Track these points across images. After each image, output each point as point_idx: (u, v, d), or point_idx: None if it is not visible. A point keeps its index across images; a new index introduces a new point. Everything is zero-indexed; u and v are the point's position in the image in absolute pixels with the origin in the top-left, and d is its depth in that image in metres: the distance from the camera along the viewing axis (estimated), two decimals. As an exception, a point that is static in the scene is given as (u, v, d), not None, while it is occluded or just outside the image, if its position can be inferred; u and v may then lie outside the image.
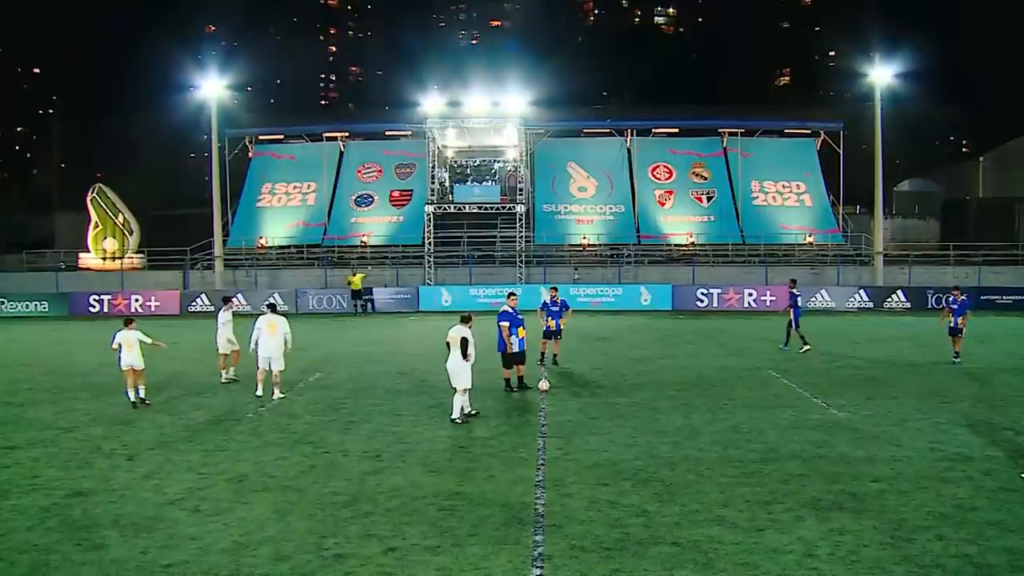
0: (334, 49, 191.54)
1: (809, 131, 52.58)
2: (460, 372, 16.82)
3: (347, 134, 54.54)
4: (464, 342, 16.85)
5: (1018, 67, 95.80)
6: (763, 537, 10.44)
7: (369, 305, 41.67)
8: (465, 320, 17.40)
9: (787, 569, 9.45)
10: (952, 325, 24.44)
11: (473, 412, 17.21)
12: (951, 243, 48.57)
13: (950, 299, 25.04)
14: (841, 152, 50.30)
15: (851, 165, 50.51)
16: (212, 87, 46.37)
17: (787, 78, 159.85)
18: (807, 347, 26.39)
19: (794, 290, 27.69)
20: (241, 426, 16.91)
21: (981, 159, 63.26)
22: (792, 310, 27.13)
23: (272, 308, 20.40)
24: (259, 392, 19.54)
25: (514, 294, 20.99)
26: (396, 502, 11.89)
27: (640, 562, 9.69)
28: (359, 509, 11.61)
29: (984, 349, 27.01)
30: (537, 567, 9.56)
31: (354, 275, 41.72)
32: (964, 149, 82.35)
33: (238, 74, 50.03)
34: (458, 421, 16.66)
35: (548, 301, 24.24)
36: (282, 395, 19.33)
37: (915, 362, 24.52)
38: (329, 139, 54.01)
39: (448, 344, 17.14)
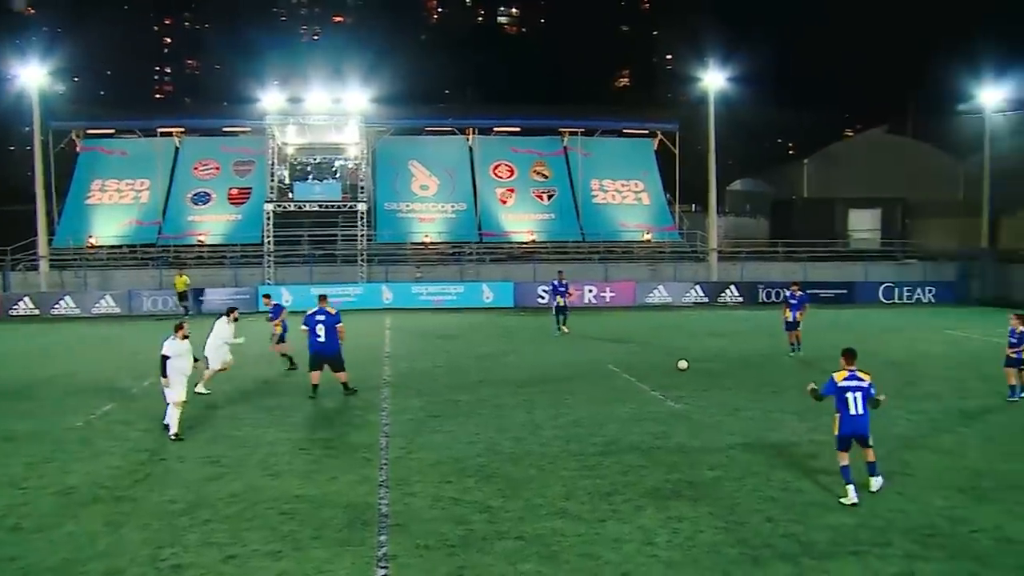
0: (169, 40, 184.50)
1: (647, 131, 53.89)
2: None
3: (183, 129, 52.42)
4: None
5: (838, 76, 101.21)
6: (604, 528, 10.66)
7: (190, 307, 40.02)
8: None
9: (628, 558, 9.69)
10: (790, 320, 25.38)
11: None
12: (779, 240, 50.91)
13: (788, 294, 26.07)
14: (677, 152, 51.87)
15: (687, 165, 52.16)
16: (33, 75, 43.78)
17: (627, 80, 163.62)
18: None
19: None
20: (70, 435, 16.03)
21: (805, 161, 66.41)
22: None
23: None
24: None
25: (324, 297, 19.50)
26: (235, 508, 11.55)
27: (485, 557, 9.74)
28: (197, 517, 11.21)
29: (809, 340, 28.31)
30: (382, 568, 9.48)
31: (179, 276, 40.17)
32: (790, 151, 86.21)
33: (63, 62, 47.30)
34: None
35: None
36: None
37: (748, 354, 25.54)
38: (164, 134, 51.80)
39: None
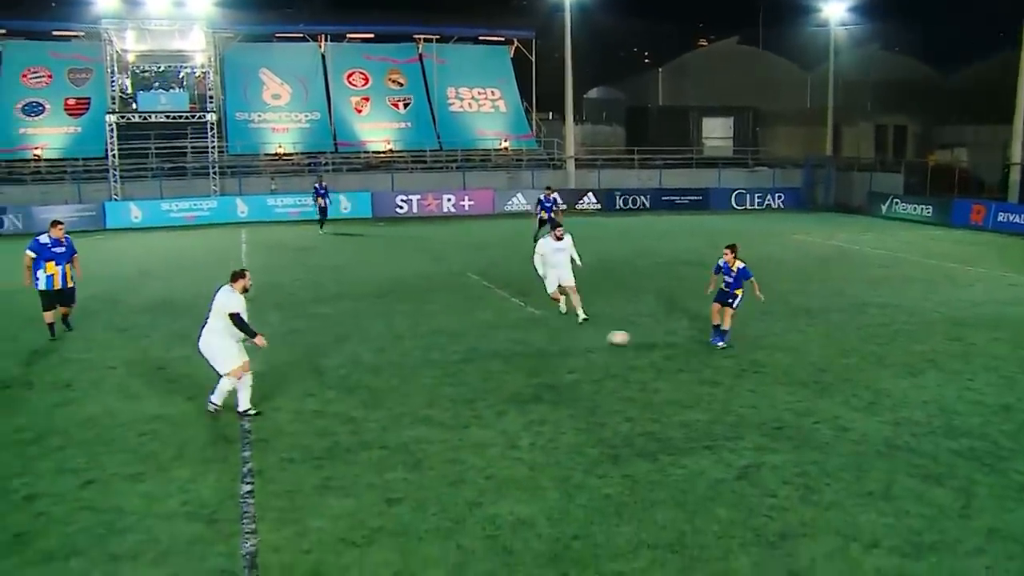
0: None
1: (503, 39, 53.43)
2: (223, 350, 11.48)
3: (4, 32, 48.93)
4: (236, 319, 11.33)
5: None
6: (468, 434, 10.80)
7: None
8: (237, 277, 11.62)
9: (492, 462, 9.85)
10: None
11: (253, 411, 11.62)
12: (635, 147, 51.57)
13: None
14: (533, 60, 51.65)
15: (543, 73, 52.06)
16: None
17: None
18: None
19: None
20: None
21: (660, 70, 67.11)
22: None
23: None
24: None
25: (59, 223, 16.87)
26: (91, 432, 11.13)
27: (351, 468, 9.75)
28: (49, 444, 10.75)
29: (667, 245, 29.04)
30: (247, 483, 9.38)
31: None
32: (646, 60, 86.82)
33: None
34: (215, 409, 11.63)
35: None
36: None
37: (609, 260, 25.90)
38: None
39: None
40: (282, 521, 8.46)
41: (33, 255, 16.13)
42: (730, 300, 14.78)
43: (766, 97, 57.77)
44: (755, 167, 50.47)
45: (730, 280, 14.74)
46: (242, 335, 11.40)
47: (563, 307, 17.71)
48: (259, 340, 11.37)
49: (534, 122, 51.98)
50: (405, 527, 8.29)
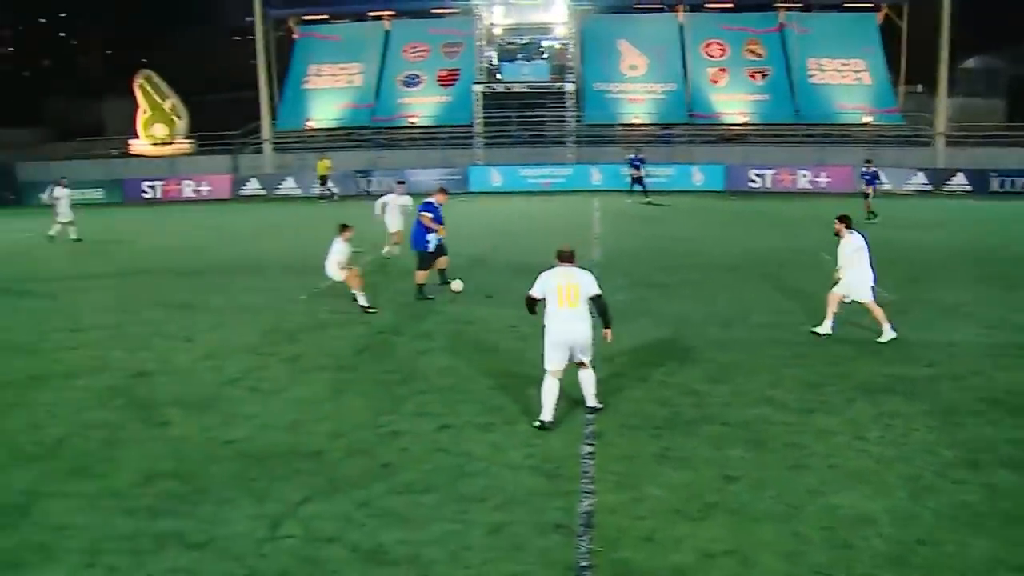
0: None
1: (871, 4, 50.48)
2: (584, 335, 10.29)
3: (392, 13, 53.28)
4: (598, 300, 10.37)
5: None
6: (812, 418, 10.47)
7: (331, 192, 40.99)
8: (566, 258, 10.67)
9: (836, 450, 9.50)
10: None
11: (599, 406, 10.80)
12: (1018, 123, 46.73)
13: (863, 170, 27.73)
14: (904, 27, 48.36)
15: (914, 41, 48.40)
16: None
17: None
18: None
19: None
20: (295, 308, 17.11)
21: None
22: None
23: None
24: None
25: (445, 190, 18.78)
26: (448, 381, 12.10)
27: (689, 440, 9.81)
28: (413, 387, 11.85)
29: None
30: (588, 444, 9.72)
31: (321, 160, 41.00)
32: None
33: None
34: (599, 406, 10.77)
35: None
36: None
37: (974, 247, 23.99)
38: (374, 18, 52.95)
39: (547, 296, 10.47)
40: (619, 485, 8.68)
41: (430, 215, 17.31)
42: None
43: None
44: None
45: None
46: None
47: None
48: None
49: (901, 95, 48.77)
50: (741, 506, 8.22)
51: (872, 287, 14.04)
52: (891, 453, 9.41)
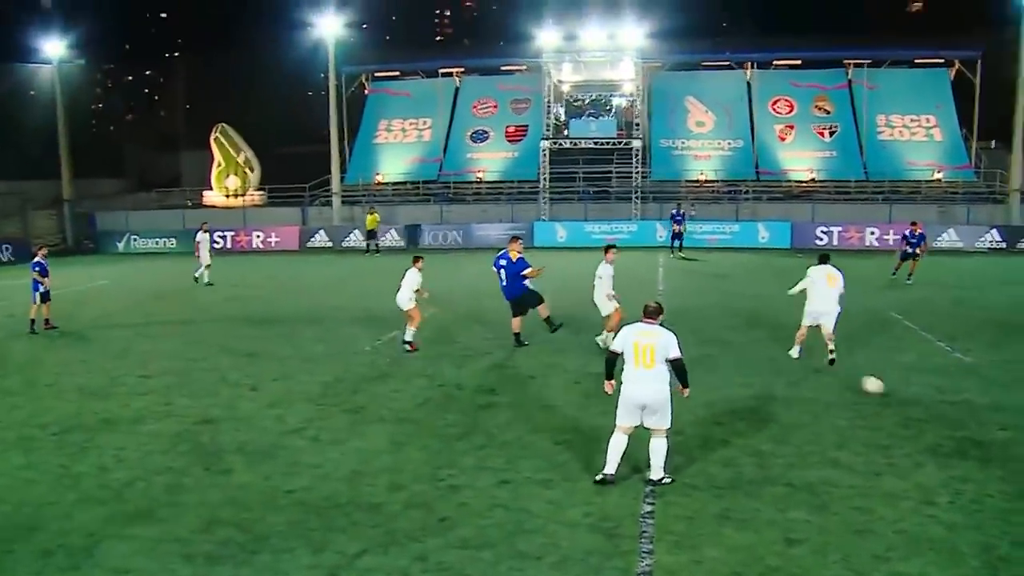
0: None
1: (943, 60, 50.03)
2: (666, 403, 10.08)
3: (462, 69, 54.34)
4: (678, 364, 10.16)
5: None
6: (879, 481, 10.21)
7: (376, 246, 41.59)
8: (650, 314, 10.25)
9: (904, 515, 9.22)
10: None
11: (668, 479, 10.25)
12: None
13: (908, 233, 25.71)
14: (977, 82, 47.74)
15: (989, 96, 47.71)
16: (329, 24, 46.87)
17: (919, 3, 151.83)
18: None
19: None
20: (359, 359, 17.28)
21: None
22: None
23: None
24: None
25: (518, 238, 18.93)
26: (511, 435, 12.06)
27: (752, 502, 9.62)
28: (473, 442, 11.84)
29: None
30: (648, 503, 9.60)
31: (370, 214, 41.61)
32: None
33: (354, 11, 50.09)
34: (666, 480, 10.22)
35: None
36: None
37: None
38: (444, 75, 53.98)
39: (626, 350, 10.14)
40: (678, 545, 8.54)
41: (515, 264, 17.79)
42: None
43: None
44: None
45: None
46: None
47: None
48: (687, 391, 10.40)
49: (973, 151, 47.98)
50: (803, 571, 8.02)
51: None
52: (962, 520, 9.11)
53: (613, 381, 10.34)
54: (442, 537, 8.79)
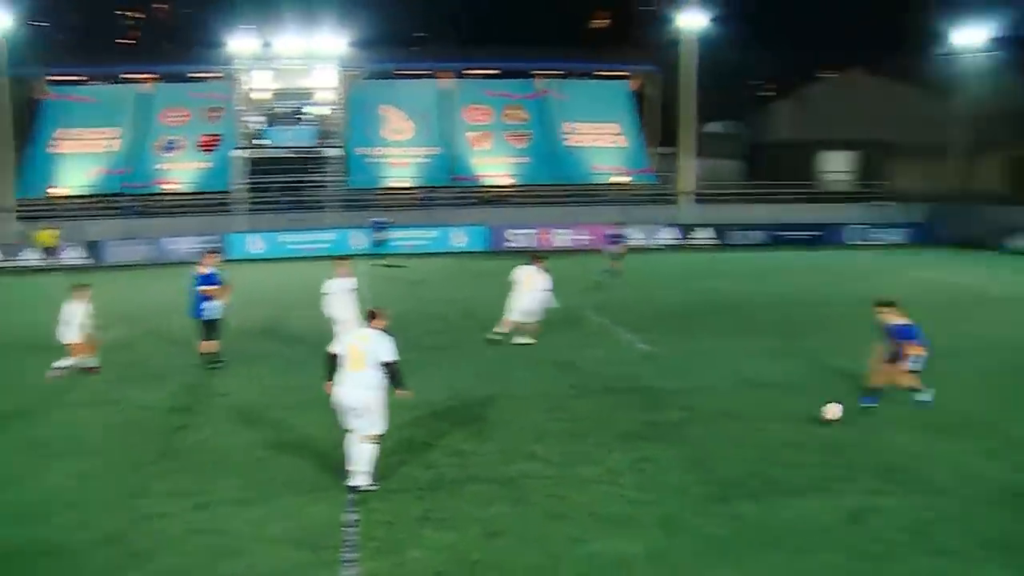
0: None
1: (625, 73, 53.48)
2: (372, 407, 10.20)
3: (152, 75, 51.53)
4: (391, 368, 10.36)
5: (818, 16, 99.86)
6: (575, 470, 10.76)
7: (56, 265, 38.78)
8: (370, 318, 10.95)
9: (595, 499, 9.82)
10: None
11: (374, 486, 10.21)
12: (755, 182, 50.65)
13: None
14: (655, 94, 51.54)
15: (666, 107, 51.55)
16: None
17: (605, 20, 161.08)
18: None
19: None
20: (34, 390, 15.76)
21: (781, 103, 65.91)
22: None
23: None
24: None
25: (214, 252, 18.25)
26: (206, 456, 11.57)
27: (454, 501, 9.85)
28: (166, 466, 11.22)
29: (787, 280, 28.52)
30: (352, 511, 9.55)
31: (44, 230, 39.14)
32: (769, 93, 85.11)
33: (26, 8, 45.69)
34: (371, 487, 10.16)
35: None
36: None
37: (725, 297, 25.47)
38: (132, 81, 50.97)
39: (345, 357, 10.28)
40: (381, 551, 8.59)
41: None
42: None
43: (893, 129, 55.77)
44: (878, 202, 48.54)
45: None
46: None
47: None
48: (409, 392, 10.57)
49: (655, 157, 51.65)
50: (505, 560, 8.32)
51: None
52: (644, 496, 9.79)
53: (331, 383, 10.22)
54: (139, 571, 8.28)
